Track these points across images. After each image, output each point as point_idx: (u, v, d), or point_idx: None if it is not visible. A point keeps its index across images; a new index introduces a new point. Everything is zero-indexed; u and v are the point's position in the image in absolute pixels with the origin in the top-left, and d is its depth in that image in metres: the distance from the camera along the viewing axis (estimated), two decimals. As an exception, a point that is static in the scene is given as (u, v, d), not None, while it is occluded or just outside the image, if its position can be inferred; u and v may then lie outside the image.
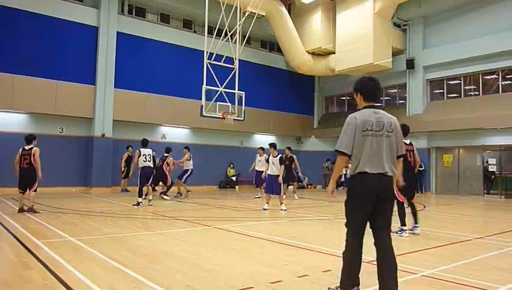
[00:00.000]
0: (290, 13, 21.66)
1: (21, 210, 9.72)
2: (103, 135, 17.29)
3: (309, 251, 5.95)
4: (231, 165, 21.38)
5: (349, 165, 3.72)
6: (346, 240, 3.73)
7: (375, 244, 3.62)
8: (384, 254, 3.56)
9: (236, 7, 16.35)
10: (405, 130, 7.15)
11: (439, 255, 5.67)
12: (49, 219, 8.59)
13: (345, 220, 3.77)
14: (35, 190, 9.83)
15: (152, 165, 11.93)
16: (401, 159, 3.86)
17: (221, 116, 15.94)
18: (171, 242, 6.54)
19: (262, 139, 23.46)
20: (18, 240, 6.31)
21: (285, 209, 11.36)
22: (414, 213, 7.57)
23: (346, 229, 3.78)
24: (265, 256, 5.60)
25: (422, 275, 4.59)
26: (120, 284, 4.11)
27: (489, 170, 18.79)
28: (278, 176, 11.52)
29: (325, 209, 12.20)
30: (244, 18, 16.71)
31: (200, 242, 6.62)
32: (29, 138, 10.03)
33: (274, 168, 11.61)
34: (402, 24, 21.32)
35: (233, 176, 21.37)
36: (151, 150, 12.10)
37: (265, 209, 11.41)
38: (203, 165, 18.66)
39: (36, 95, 15.84)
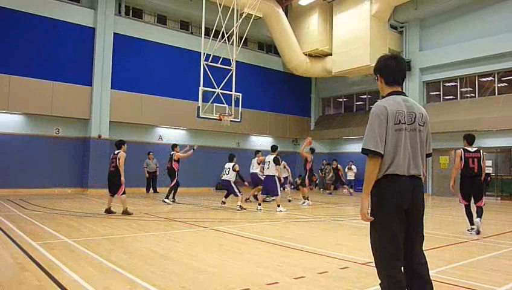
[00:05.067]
0: (286, 15, 21.70)
1: (107, 211, 10.08)
2: (100, 136, 17.24)
3: (305, 253, 5.94)
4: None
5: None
6: (382, 277, 2.83)
7: (407, 266, 2.89)
8: (421, 280, 2.86)
9: (233, 9, 16.37)
10: (471, 140, 8.08)
11: (436, 257, 5.67)
12: (44, 220, 8.55)
13: (374, 246, 2.89)
14: (123, 193, 9.95)
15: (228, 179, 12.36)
16: (429, 158, 3.11)
17: (218, 118, 15.94)
18: (167, 243, 6.52)
19: (259, 141, 23.50)
20: (13, 241, 6.28)
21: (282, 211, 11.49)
22: (476, 214, 7.91)
23: (377, 260, 2.87)
24: (262, 257, 5.59)
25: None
26: (115, 286, 4.09)
27: (486, 171, 18.81)
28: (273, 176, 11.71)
29: (321, 211, 12.21)
30: (241, 19, 16.74)
31: (196, 243, 6.60)
32: (118, 143, 10.28)
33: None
34: (398, 26, 21.42)
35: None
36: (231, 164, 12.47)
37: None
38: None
39: (32, 96, 15.80)
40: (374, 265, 2.90)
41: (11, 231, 7.12)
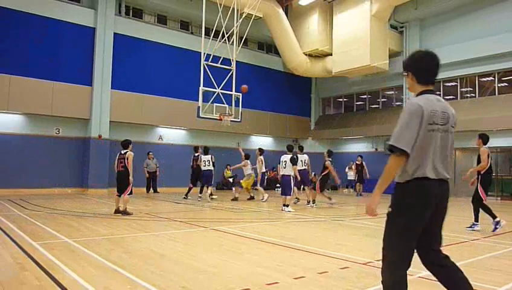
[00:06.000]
0: (287, 15, 21.70)
1: (117, 211, 10.06)
2: (100, 136, 17.24)
3: (305, 253, 5.94)
4: (228, 167, 21.33)
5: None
6: (385, 275, 2.79)
7: (434, 266, 2.96)
8: (456, 273, 2.96)
9: (233, 9, 16.37)
10: (486, 140, 8.42)
11: (436, 257, 5.67)
12: (45, 220, 8.55)
13: (386, 245, 2.81)
14: (129, 193, 9.97)
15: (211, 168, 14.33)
16: None
17: (218, 118, 15.95)
18: (167, 243, 6.52)
19: (259, 141, 23.49)
20: (14, 241, 6.28)
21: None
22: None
23: (386, 259, 2.80)
24: (262, 257, 5.59)
25: (419, 277, 4.57)
26: (115, 286, 4.09)
27: (486, 171, 18.81)
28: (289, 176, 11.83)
29: (322, 211, 12.21)
30: (241, 19, 16.74)
31: (196, 243, 6.60)
32: (125, 143, 10.23)
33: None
34: (399, 26, 21.42)
35: (230, 177, 21.31)
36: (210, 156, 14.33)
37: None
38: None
39: (33, 96, 15.80)
40: (381, 260, 2.85)
41: (11, 231, 7.12)
